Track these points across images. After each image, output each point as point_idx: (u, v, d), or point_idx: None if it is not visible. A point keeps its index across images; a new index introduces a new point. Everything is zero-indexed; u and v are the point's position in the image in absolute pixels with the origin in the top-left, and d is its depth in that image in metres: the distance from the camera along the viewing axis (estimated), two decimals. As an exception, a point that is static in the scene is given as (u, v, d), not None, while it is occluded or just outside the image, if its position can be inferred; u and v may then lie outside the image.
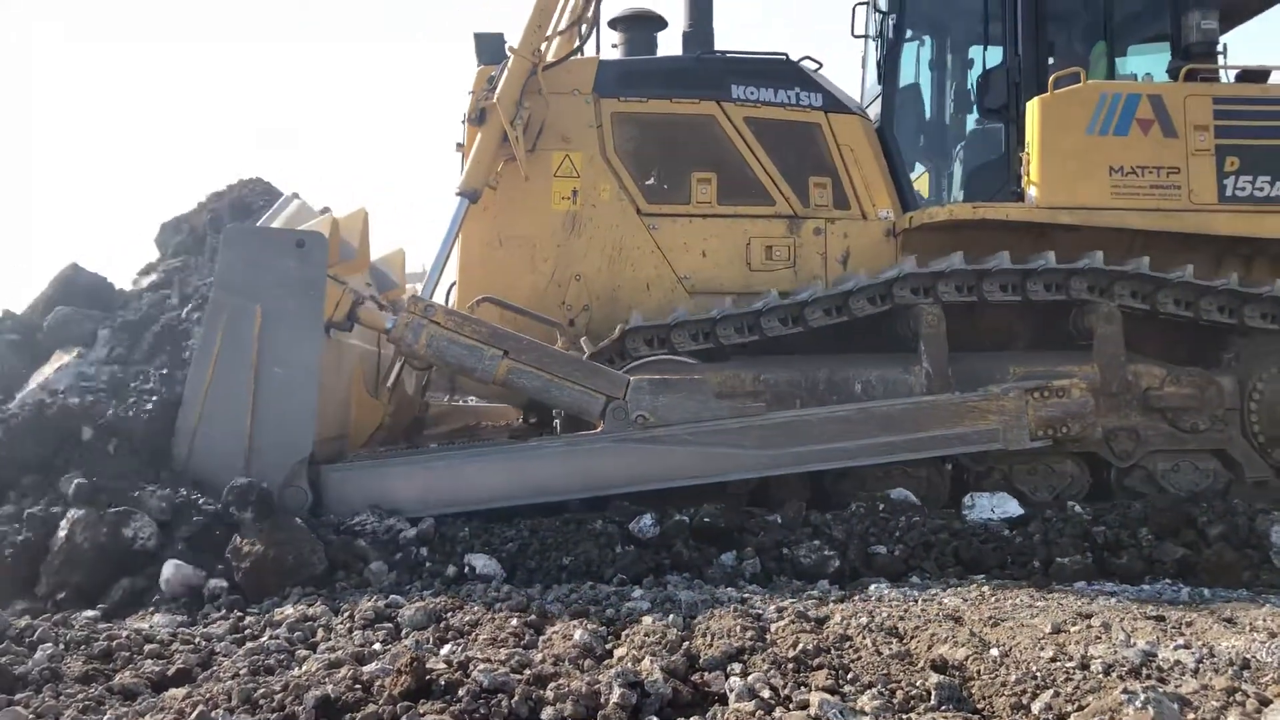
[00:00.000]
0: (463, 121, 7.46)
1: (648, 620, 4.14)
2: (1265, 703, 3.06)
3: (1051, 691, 3.19)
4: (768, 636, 3.90)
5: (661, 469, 6.02)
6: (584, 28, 7.33)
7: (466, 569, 5.15)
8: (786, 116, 7.43)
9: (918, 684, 3.33)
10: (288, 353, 5.45)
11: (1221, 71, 7.54)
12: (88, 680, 3.44)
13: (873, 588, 5.21)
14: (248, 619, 4.36)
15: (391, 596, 4.63)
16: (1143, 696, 2.81)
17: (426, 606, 4.33)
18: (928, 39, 8.64)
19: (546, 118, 7.26)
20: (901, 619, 4.22)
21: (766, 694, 3.21)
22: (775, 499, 6.41)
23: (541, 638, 3.98)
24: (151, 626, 4.21)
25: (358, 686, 3.19)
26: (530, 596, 4.69)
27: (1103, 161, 7.11)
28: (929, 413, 6.32)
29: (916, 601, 4.75)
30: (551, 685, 3.23)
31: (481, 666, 3.32)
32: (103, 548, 4.78)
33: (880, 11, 8.28)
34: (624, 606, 4.48)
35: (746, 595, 4.86)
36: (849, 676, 3.44)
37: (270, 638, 4.04)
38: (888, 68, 8.09)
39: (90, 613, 4.45)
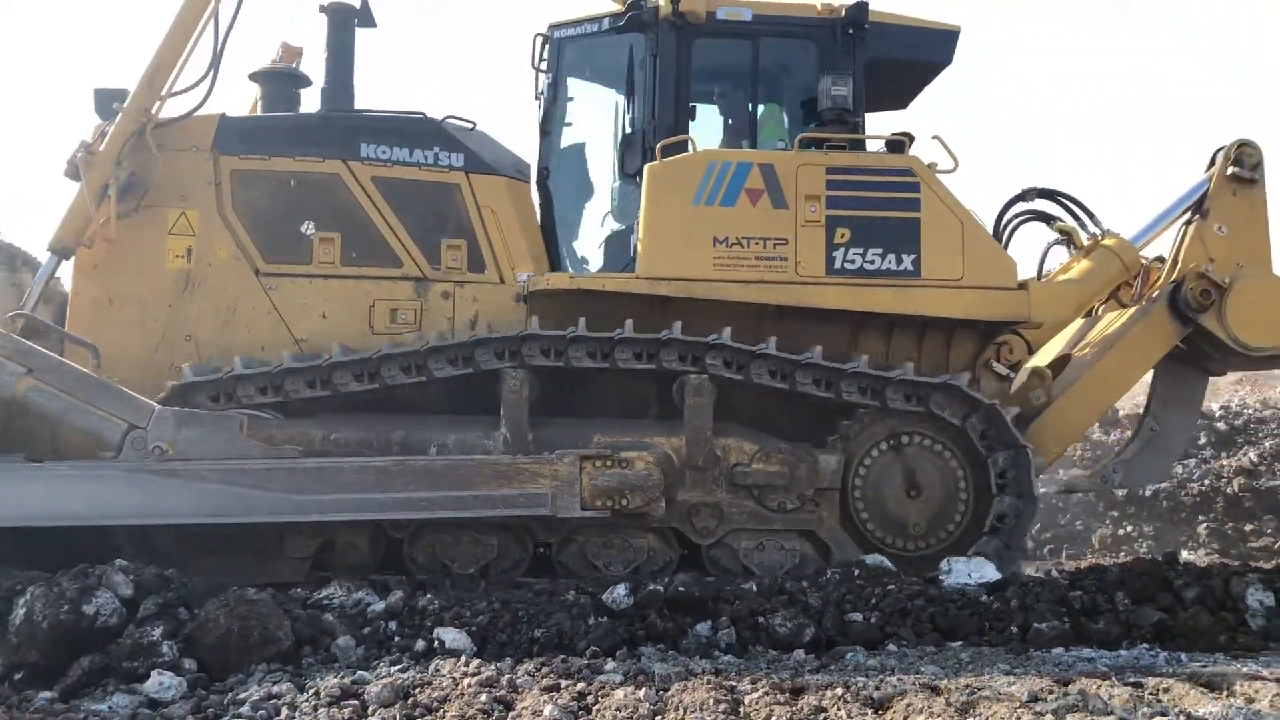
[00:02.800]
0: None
1: (619, 694, 4.06)
2: (1243, 771, 3.02)
3: (1028, 763, 3.14)
4: (742, 709, 3.84)
5: (177, 504, 5.80)
6: (209, 84, 7.04)
7: (436, 643, 5.04)
8: (421, 177, 7.16)
9: (893, 757, 3.27)
10: None
11: (869, 141, 7.41)
12: (40, 766, 3.34)
13: (849, 656, 5.15)
14: (211, 698, 4.26)
15: (358, 672, 4.53)
16: (1119, 768, 2.77)
17: (394, 682, 4.24)
18: (588, 99, 8.34)
19: (161, 175, 6.92)
20: (878, 689, 4.16)
21: (739, 770, 3.15)
22: (340, 562, 6.33)
23: (511, 713, 3.90)
24: (110, 708, 4.10)
25: (319, 768, 3.11)
26: (501, 670, 4.58)
27: (707, 232, 6.89)
28: (475, 471, 6.11)
29: (893, 671, 4.70)
30: (519, 764, 3.15)
31: (447, 745, 3.24)
32: (62, 625, 4.66)
33: (536, 70, 8.07)
34: (596, 680, 4.39)
35: (721, 667, 4.79)
36: (823, 750, 3.38)
37: (233, 717, 3.95)
38: (544, 127, 7.84)
39: (47, 694, 4.33)
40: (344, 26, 7.62)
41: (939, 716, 3.66)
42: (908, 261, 6.97)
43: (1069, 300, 7.48)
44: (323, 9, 7.60)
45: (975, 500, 6.94)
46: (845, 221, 6.95)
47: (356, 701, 4.10)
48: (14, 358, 5.90)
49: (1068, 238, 7.89)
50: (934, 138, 7.21)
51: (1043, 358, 7.95)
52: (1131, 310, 7.77)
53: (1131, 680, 4.33)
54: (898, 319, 7.16)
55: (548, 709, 3.82)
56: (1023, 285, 7.19)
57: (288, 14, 8.21)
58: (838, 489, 6.78)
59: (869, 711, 3.83)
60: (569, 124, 7.99)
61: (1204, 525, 10.48)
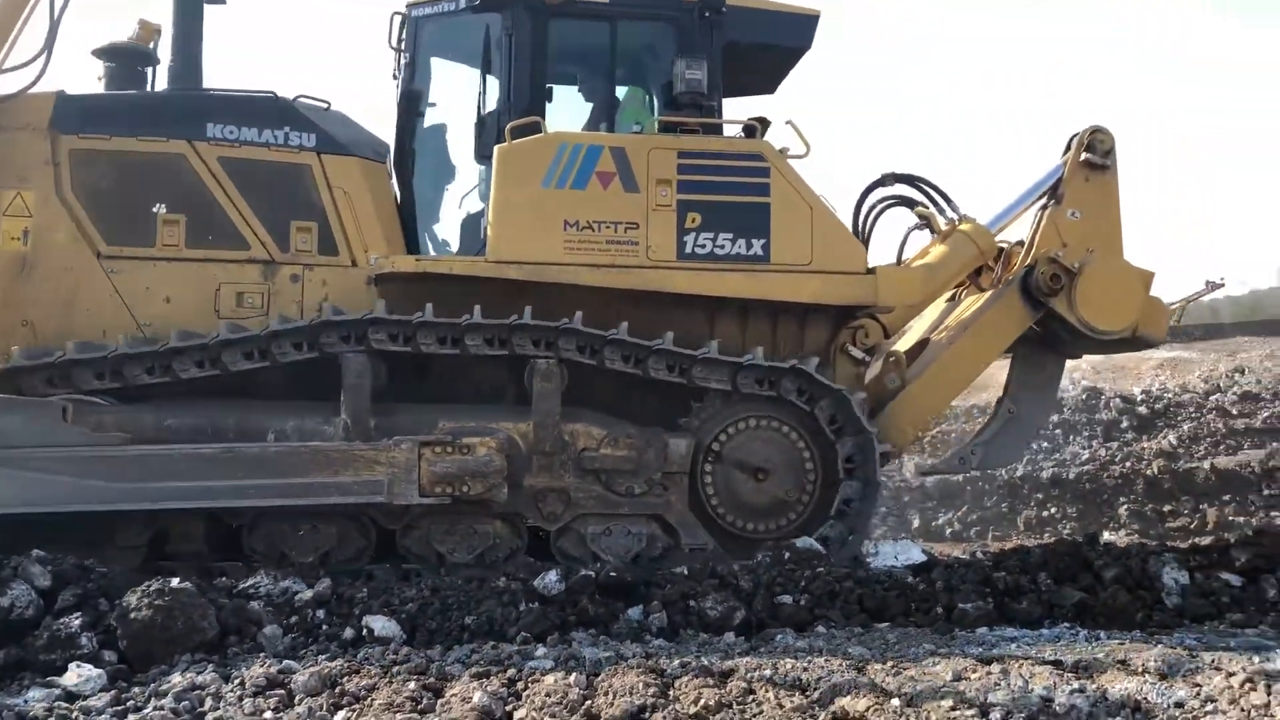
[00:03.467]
0: None
1: (549, 680, 4.06)
2: (1155, 745, 3.11)
3: (950, 741, 3.20)
4: (671, 693, 3.86)
5: None
6: (44, 60, 6.79)
7: (365, 631, 5.00)
8: (270, 157, 6.95)
9: (819, 737, 3.31)
10: None
11: (726, 126, 7.36)
12: (-48, 762, 3.25)
13: (779, 638, 5.20)
14: (132, 690, 4.18)
15: (285, 661, 4.47)
16: (1035, 744, 2.83)
17: (321, 671, 4.19)
18: (449, 79, 8.12)
19: None
20: (805, 670, 4.21)
21: (667, 753, 3.17)
22: (176, 550, 6.28)
23: (440, 701, 3.88)
24: (26, 702, 4.00)
25: (242, 759, 3.06)
26: (430, 658, 4.57)
27: (558, 215, 6.81)
28: (308, 459, 6.05)
29: (821, 652, 4.75)
30: (447, 751, 3.14)
31: (374, 734, 3.22)
32: (-23, 618, 4.55)
33: (393, 49, 7.90)
34: (527, 666, 4.39)
35: (652, 650, 4.81)
36: (751, 732, 3.42)
37: (154, 709, 3.87)
38: (402, 107, 7.64)
39: (-41, 688, 4.21)
40: (192, 3, 7.40)
41: (864, 697, 3.71)
42: (758, 246, 6.97)
43: (916, 284, 7.51)
44: None
45: (822, 484, 6.97)
46: (696, 206, 6.93)
47: (283, 691, 4.04)
48: None
49: (927, 222, 7.97)
50: (787, 122, 7.18)
51: (905, 342, 8.07)
52: (987, 294, 7.86)
53: (1051, 659, 4.43)
54: (751, 303, 7.16)
55: (477, 696, 3.80)
56: (872, 270, 7.22)
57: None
58: (686, 473, 6.75)
59: (796, 693, 3.88)
60: (433, 104, 7.80)
61: (1125, 506, 10.76)
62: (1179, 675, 4.09)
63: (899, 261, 7.93)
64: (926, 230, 8.02)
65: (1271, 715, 3.39)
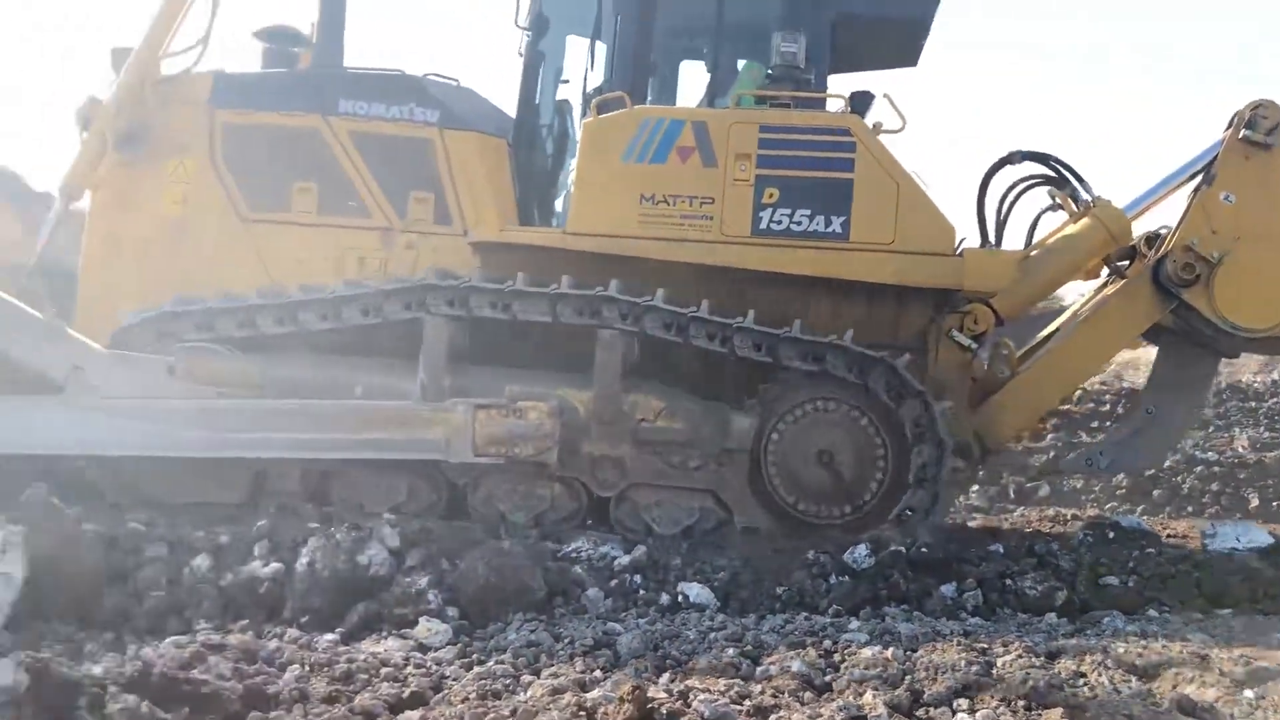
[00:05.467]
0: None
1: (866, 653, 4.06)
2: None
3: (1318, 739, 2.94)
4: (994, 672, 3.76)
5: (108, 439, 6.18)
6: (203, 44, 7.35)
7: (680, 597, 5.19)
8: (395, 132, 7.30)
9: (1164, 726, 3.14)
10: None
11: (830, 100, 6.99)
12: (331, 701, 3.63)
13: (1106, 621, 4.95)
14: (474, 644, 4.53)
15: (609, 624, 4.71)
16: None
17: (644, 634, 4.39)
18: (574, 54, 8.21)
19: (162, 127, 7.34)
20: (1140, 656, 4.00)
21: (998, 733, 3.10)
22: (274, 489, 6.48)
23: (759, 669, 3.96)
24: (386, 650, 4.42)
25: (582, 713, 3.26)
26: (745, 626, 4.68)
27: (635, 189, 6.75)
28: (370, 416, 6.33)
29: (1156, 638, 4.48)
30: (773, 717, 3.21)
31: (702, 697, 3.34)
32: (339, 574, 5.06)
33: (520, 28, 7.91)
34: (841, 638, 4.41)
35: (969, 629, 4.70)
36: (1086, 716, 3.28)
37: (496, 663, 4.18)
38: (524, 84, 7.74)
39: (330, 636, 4.70)
40: None
41: (1212, 687, 3.48)
42: (836, 224, 6.68)
43: (1009, 269, 6.83)
44: None
45: (894, 458, 6.52)
46: (775, 181, 6.71)
47: (609, 651, 4.26)
48: None
49: (1060, 204, 7.22)
50: (884, 95, 6.85)
51: (1046, 331, 7.48)
52: (1120, 284, 7.07)
53: None
54: (843, 283, 6.82)
55: (795, 665, 3.86)
56: (960, 252, 6.70)
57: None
58: (747, 450, 6.55)
59: (1133, 679, 3.68)
60: (565, 81, 8.03)
61: None
62: None
63: (1027, 245, 7.32)
64: (1061, 212, 7.31)
65: None
